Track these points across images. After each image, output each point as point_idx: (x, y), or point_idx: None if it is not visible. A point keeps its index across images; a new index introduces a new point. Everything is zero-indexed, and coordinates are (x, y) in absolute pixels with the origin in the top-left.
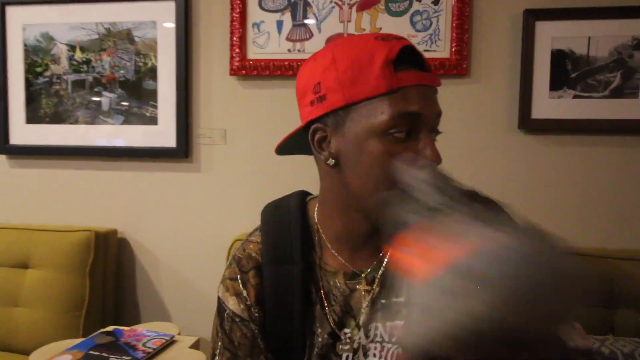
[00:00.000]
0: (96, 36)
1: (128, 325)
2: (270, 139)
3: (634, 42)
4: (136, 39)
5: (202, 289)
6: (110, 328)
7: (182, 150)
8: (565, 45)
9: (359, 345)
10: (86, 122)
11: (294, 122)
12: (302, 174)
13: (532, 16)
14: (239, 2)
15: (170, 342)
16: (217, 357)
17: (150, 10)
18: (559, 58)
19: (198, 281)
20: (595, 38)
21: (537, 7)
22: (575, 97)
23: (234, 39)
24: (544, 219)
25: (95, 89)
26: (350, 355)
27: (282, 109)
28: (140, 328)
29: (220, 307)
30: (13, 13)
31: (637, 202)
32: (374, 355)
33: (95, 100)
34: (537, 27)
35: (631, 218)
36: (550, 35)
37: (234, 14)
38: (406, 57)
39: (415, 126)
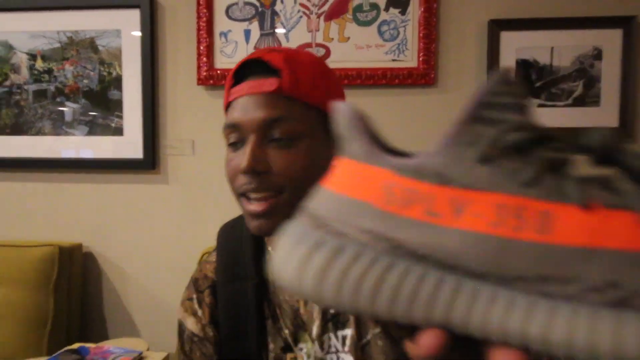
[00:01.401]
0: (58, 45)
1: (95, 342)
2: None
3: (595, 52)
4: (100, 47)
5: (171, 303)
6: (75, 346)
7: (149, 161)
8: (530, 55)
9: (315, 359)
10: (49, 134)
11: None
12: None
13: (497, 26)
14: (205, 11)
15: (138, 359)
16: None
17: (114, 19)
18: (524, 68)
19: (167, 295)
20: (558, 48)
21: (502, 17)
22: (539, 105)
23: (201, 48)
24: None
25: (58, 99)
26: None
27: None
28: (107, 345)
29: (180, 329)
30: None
31: None
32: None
33: (58, 111)
34: (502, 37)
35: None
36: (515, 46)
37: (201, 23)
38: (250, 68)
39: (242, 135)
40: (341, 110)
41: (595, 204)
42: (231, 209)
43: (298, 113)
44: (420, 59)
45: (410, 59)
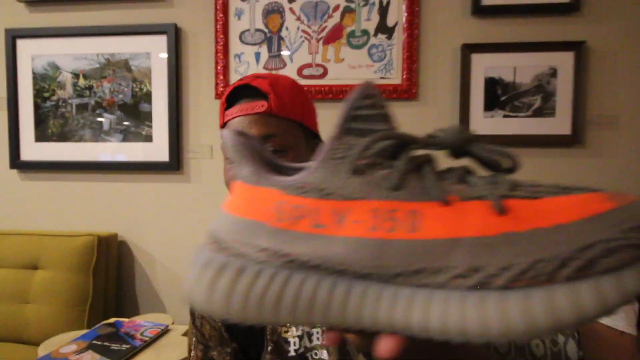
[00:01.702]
0: (97, 65)
1: (128, 317)
2: None
3: (551, 71)
4: (133, 67)
5: None
6: (111, 320)
7: (174, 164)
8: (496, 73)
9: (303, 332)
10: (89, 140)
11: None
12: None
13: (469, 49)
14: (222, 36)
15: (165, 331)
16: (192, 352)
17: (144, 43)
18: (491, 84)
19: None
20: (519, 68)
21: (473, 42)
22: (504, 116)
23: (218, 67)
24: None
25: (97, 112)
26: (297, 340)
27: None
28: (138, 319)
29: (192, 307)
30: (22, 45)
31: None
32: (317, 339)
33: (97, 121)
34: (473, 59)
35: None
36: (484, 66)
37: (218, 47)
38: (240, 93)
39: None
40: (226, 137)
41: (453, 198)
42: None
43: (285, 129)
44: (404, 77)
45: (395, 77)
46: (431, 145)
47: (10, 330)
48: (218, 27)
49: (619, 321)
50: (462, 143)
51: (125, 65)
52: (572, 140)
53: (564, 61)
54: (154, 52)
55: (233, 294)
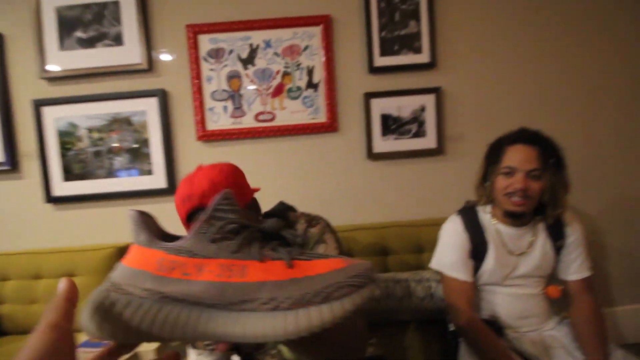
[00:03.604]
0: (105, 122)
1: None
2: None
3: (421, 107)
4: (133, 122)
5: None
6: None
7: (172, 189)
8: (387, 111)
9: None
10: (105, 177)
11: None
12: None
13: (369, 96)
14: (198, 95)
15: None
16: None
17: (141, 104)
18: (385, 118)
19: None
20: (402, 106)
21: (371, 91)
22: (395, 139)
23: (197, 118)
24: (393, 204)
25: (109, 156)
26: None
27: (229, 158)
28: None
29: None
30: (47, 111)
31: (426, 196)
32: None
33: (109, 163)
34: (372, 102)
35: (427, 203)
36: (379, 106)
37: (196, 103)
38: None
39: None
40: (131, 216)
41: (266, 259)
42: None
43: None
44: (328, 116)
45: (322, 117)
46: (261, 230)
47: None
48: (194, 89)
49: (462, 275)
50: (277, 230)
51: (127, 120)
52: (437, 151)
53: (429, 100)
54: (149, 110)
55: (120, 320)
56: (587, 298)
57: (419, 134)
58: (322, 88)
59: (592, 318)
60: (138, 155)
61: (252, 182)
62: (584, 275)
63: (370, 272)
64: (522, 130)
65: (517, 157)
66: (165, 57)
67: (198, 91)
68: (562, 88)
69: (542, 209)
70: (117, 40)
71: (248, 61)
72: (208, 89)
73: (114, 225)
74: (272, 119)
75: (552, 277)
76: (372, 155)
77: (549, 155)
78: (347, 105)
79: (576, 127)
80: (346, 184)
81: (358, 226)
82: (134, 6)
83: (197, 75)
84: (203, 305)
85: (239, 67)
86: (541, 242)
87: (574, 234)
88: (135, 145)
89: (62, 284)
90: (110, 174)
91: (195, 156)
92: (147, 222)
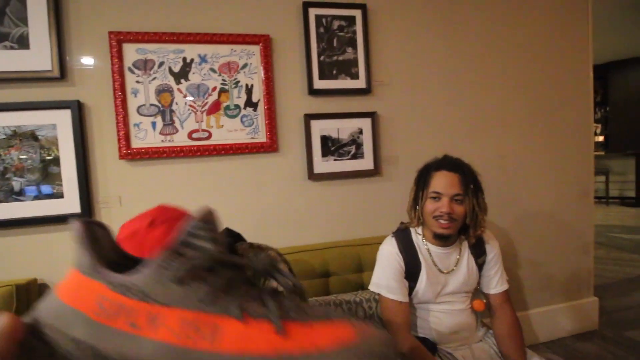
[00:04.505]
0: (3, 136)
1: None
2: (151, 198)
3: (359, 130)
4: (40, 137)
5: None
6: None
7: (86, 214)
8: (327, 132)
9: None
10: (2, 201)
11: (166, 188)
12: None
13: (309, 117)
14: (121, 110)
15: None
16: None
17: (50, 116)
18: (324, 139)
19: None
20: (341, 128)
21: (311, 112)
22: (335, 159)
23: (121, 134)
24: (333, 224)
25: (7, 176)
26: None
27: (158, 179)
28: None
29: None
30: None
31: (364, 216)
32: None
33: (7, 184)
34: (312, 124)
35: (366, 222)
36: (319, 127)
37: (119, 118)
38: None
39: None
40: (73, 227)
41: (248, 315)
42: None
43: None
44: (268, 136)
45: (261, 137)
46: (248, 268)
47: None
48: (118, 102)
49: (399, 296)
50: (270, 270)
51: (31, 135)
52: (374, 172)
53: (366, 124)
54: (60, 123)
55: None
56: (507, 309)
57: (357, 155)
58: (261, 107)
59: (512, 327)
60: (45, 176)
61: (185, 204)
62: (504, 289)
63: (389, 349)
64: (446, 157)
65: (442, 182)
66: (82, 65)
67: (122, 104)
68: (479, 115)
69: (465, 230)
70: (22, 42)
71: (181, 75)
72: (134, 102)
73: (12, 259)
74: (207, 137)
75: (476, 292)
76: (313, 176)
77: (469, 181)
78: (287, 125)
79: (491, 149)
80: (287, 205)
81: (299, 248)
82: (44, 5)
83: (120, 87)
84: None
85: (170, 80)
86: (466, 260)
87: (492, 251)
88: (42, 165)
89: (2, 320)
90: (8, 197)
91: (118, 177)
92: (94, 238)
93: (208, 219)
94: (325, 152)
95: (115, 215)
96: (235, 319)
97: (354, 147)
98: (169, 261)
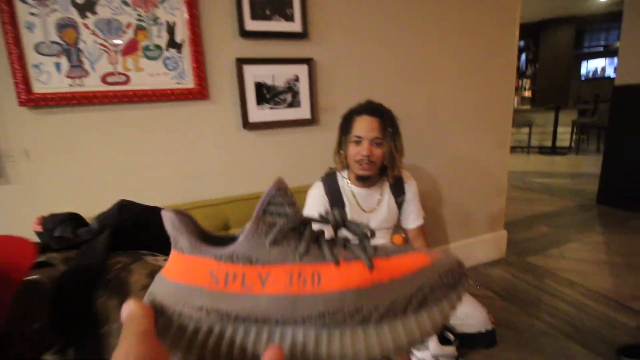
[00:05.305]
0: None
1: None
2: (67, 153)
3: (295, 77)
4: None
5: None
6: None
7: None
8: (262, 79)
9: None
10: None
11: (82, 140)
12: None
13: (241, 62)
14: (14, 47)
15: None
16: None
17: None
18: (259, 87)
19: None
20: (276, 75)
21: (244, 56)
22: (270, 108)
23: (17, 76)
24: (270, 173)
25: None
26: None
27: (69, 129)
28: None
29: None
30: None
31: (301, 165)
32: None
33: None
34: (245, 69)
35: (303, 171)
36: (253, 73)
37: (13, 57)
38: None
39: None
40: (166, 216)
41: (341, 259)
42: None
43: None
44: (196, 82)
45: (189, 82)
46: (322, 223)
47: None
48: (8, 38)
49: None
50: (343, 221)
51: None
52: (311, 121)
53: (302, 71)
54: None
55: (178, 346)
56: (421, 240)
57: (294, 104)
58: (187, 49)
59: None
60: None
61: (104, 159)
62: (419, 223)
63: (461, 267)
64: (368, 103)
65: (362, 126)
66: None
67: (14, 42)
68: (413, 65)
69: (385, 171)
70: None
71: (86, 7)
72: (30, 38)
73: None
74: (125, 82)
75: (395, 228)
76: (248, 125)
77: (388, 124)
78: (218, 70)
79: (423, 98)
80: (221, 156)
81: (234, 198)
82: None
83: (10, 20)
84: (272, 322)
85: (73, 14)
86: (386, 199)
87: (410, 190)
88: None
89: (130, 306)
90: None
91: (20, 127)
92: (187, 223)
93: (281, 186)
94: (260, 100)
95: (25, 170)
96: (332, 263)
97: (290, 95)
98: (260, 228)
